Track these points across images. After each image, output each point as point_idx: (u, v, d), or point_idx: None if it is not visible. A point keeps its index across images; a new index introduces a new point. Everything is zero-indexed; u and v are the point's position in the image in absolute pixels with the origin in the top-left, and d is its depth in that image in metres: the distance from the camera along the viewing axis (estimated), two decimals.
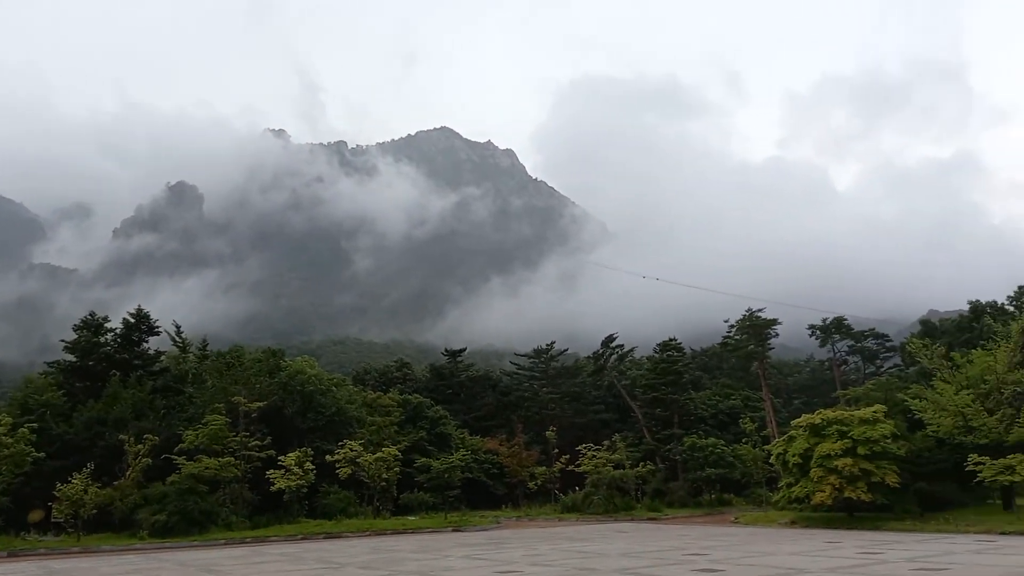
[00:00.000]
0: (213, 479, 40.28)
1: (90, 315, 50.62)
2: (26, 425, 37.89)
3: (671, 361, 64.41)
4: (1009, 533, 28.30)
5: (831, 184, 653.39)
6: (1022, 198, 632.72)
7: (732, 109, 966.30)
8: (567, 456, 55.09)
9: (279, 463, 41.96)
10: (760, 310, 64.93)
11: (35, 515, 38.96)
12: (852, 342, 75.39)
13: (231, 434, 42.33)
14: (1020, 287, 43.01)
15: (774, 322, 64.51)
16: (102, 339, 49.61)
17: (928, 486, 36.10)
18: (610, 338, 70.66)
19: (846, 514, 36.17)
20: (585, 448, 53.28)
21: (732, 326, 67.46)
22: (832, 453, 33.56)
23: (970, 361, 35.58)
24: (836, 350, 75.63)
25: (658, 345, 67.01)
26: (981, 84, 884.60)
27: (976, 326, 42.27)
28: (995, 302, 44.27)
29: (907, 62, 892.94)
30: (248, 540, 35.83)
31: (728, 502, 54.55)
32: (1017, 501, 35.12)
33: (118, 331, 50.38)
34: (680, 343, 67.47)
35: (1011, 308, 42.32)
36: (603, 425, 65.90)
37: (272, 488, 41.26)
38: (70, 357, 49.37)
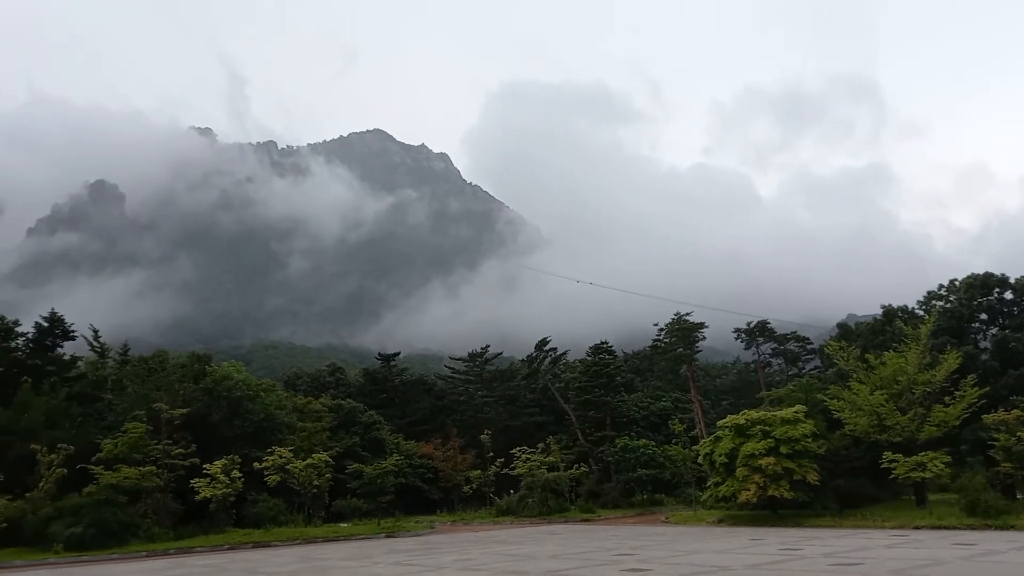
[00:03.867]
0: (133, 489, 38.67)
1: None
2: None
3: (603, 364, 65.29)
4: (921, 527, 29.72)
5: (755, 192, 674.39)
6: (928, 207, 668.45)
7: (659, 117, 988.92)
8: (502, 459, 55.23)
9: (204, 471, 40.70)
10: (688, 314, 66.58)
11: None
12: (775, 345, 77.74)
13: (152, 442, 40.81)
14: (929, 292, 44.97)
15: (701, 326, 66.28)
16: (12, 344, 47.04)
17: (846, 483, 37.61)
18: (544, 341, 71.21)
19: (770, 511, 37.30)
20: (519, 451, 53.60)
21: (661, 330, 68.96)
22: (756, 452, 34.51)
23: (883, 363, 37.01)
24: (760, 353, 77.81)
25: (591, 348, 67.80)
26: (893, 100, 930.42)
27: (888, 329, 43.94)
28: (906, 306, 46.11)
29: (824, 77, 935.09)
30: (171, 552, 34.59)
31: (660, 502, 55.55)
32: (929, 496, 36.78)
33: (30, 335, 47.96)
34: (612, 346, 68.43)
35: (920, 312, 44.17)
36: (537, 428, 66.27)
37: (197, 497, 39.99)
38: None
